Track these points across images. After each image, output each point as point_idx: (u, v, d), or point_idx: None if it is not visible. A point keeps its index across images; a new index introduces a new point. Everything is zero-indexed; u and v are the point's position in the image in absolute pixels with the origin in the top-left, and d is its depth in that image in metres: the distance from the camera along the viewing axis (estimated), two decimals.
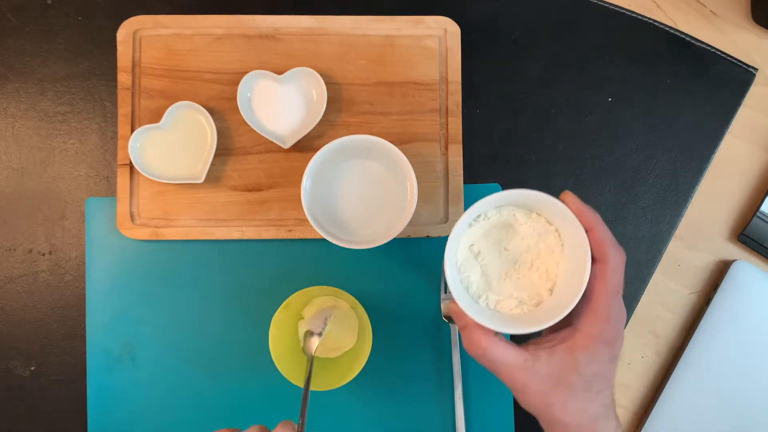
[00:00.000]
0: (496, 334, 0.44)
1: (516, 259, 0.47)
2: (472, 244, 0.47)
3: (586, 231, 0.43)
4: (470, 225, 0.47)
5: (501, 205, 0.46)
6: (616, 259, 0.42)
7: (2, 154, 0.62)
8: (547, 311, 0.44)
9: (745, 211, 0.64)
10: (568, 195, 0.44)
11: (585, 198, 0.63)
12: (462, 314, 0.44)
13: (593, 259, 0.42)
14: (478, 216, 0.46)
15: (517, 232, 0.47)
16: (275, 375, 0.54)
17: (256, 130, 0.59)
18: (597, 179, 0.63)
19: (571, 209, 0.43)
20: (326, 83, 0.60)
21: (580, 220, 0.43)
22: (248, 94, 0.60)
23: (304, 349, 0.54)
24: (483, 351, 0.43)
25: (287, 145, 0.59)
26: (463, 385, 0.60)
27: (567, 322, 0.44)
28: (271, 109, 0.60)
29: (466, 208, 0.61)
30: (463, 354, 0.61)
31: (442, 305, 0.61)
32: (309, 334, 0.54)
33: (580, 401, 0.43)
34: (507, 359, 0.43)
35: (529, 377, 0.43)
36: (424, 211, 0.61)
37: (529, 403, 0.44)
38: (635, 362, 0.63)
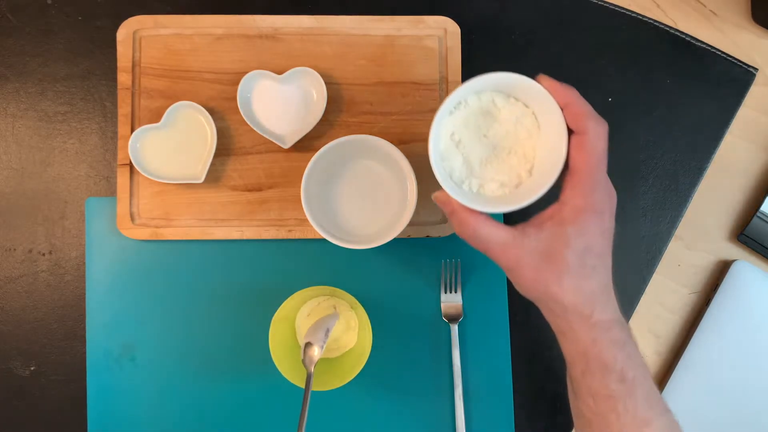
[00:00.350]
0: (483, 214, 0.45)
1: (496, 144, 0.49)
2: (453, 133, 0.49)
3: (564, 107, 0.43)
4: (450, 113, 0.49)
5: (480, 90, 0.48)
6: (596, 129, 0.42)
7: (2, 154, 0.62)
8: (528, 190, 0.46)
9: (745, 211, 0.64)
10: (543, 77, 0.44)
11: None
12: (448, 200, 0.45)
13: (575, 133, 0.43)
14: (459, 104, 0.48)
15: (496, 118, 0.49)
16: (275, 375, 0.54)
17: (256, 130, 0.59)
18: None
19: (545, 87, 0.44)
20: (326, 83, 0.60)
21: (556, 97, 0.44)
22: (248, 94, 0.60)
23: (304, 362, 0.52)
24: (473, 230, 0.44)
25: (287, 145, 0.59)
26: (463, 385, 0.60)
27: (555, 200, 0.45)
28: (271, 109, 0.60)
29: None
30: (463, 354, 0.61)
31: (442, 305, 0.61)
32: (309, 345, 0.53)
33: (575, 277, 0.42)
34: (497, 237, 0.44)
35: (520, 252, 0.43)
36: (424, 211, 0.61)
37: (524, 283, 0.44)
38: None
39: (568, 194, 0.43)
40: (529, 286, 0.44)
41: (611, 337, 0.43)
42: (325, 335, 0.54)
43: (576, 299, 0.43)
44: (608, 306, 0.44)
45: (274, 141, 0.59)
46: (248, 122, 0.59)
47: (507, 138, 0.49)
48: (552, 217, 0.43)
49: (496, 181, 0.48)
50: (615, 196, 0.44)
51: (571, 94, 0.43)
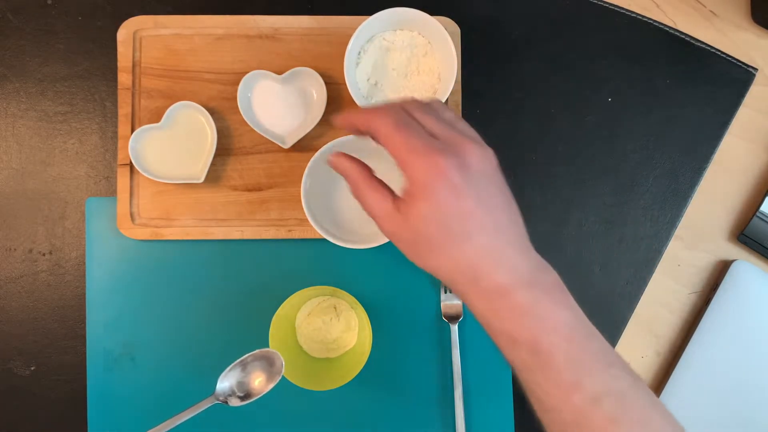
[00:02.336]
0: (380, 183, 0.42)
1: (404, 71, 0.59)
2: (368, 78, 0.59)
3: (367, 131, 0.41)
4: (357, 64, 0.59)
5: (369, 36, 0.58)
6: (381, 129, 0.40)
7: (2, 154, 0.62)
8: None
9: (745, 211, 0.64)
10: (335, 117, 0.43)
11: (585, 197, 0.63)
12: (345, 165, 0.43)
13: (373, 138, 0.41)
14: (359, 54, 0.59)
15: (393, 50, 0.59)
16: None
17: (256, 129, 0.59)
18: (597, 179, 0.63)
19: (339, 125, 0.43)
20: (326, 83, 0.60)
21: (360, 128, 0.42)
22: (248, 94, 0.60)
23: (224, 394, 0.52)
24: (363, 199, 0.42)
25: (287, 145, 0.59)
26: (463, 385, 0.60)
27: None
28: (271, 109, 0.60)
29: None
30: (463, 354, 0.61)
31: (442, 305, 0.61)
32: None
33: (446, 248, 0.40)
34: (376, 210, 0.42)
35: (392, 228, 0.41)
36: None
37: (408, 256, 0.42)
38: (635, 362, 0.63)
39: (411, 163, 0.39)
40: (412, 259, 0.42)
41: (511, 303, 0.39)
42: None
43: (456, 268, 0.40)
44: (501, 267, 0.39)
45: (274, 141, 0.59)
46: (248, 122, 0.59)
47: (410, 62, 0.59)
48: (409, 197, 0.40)
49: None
50: (469, 149, 0.40)
51: (361, 119, 0.41)
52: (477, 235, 0.39)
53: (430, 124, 0.41)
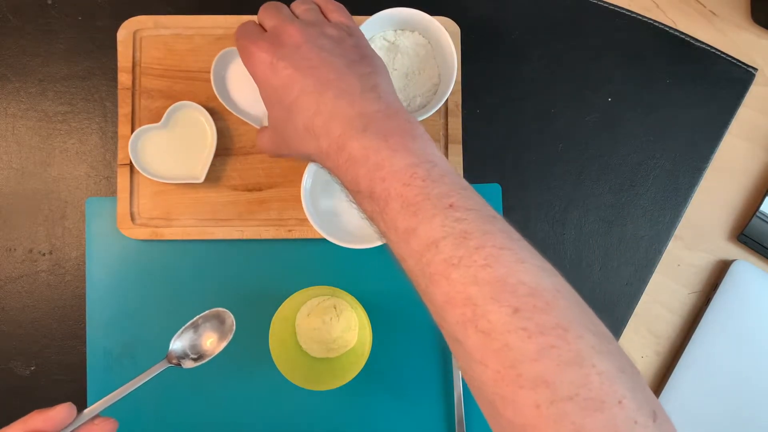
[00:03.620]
0: (264, 127, 0.48)
1: (405, 72, 0.59)
2: None
3: None
4: None
5: (369, 36, 0.58)
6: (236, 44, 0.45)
7: (2, 154, 0.62)
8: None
9: (745, 211, 0.64)
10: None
11: (585, 197, 0.63)
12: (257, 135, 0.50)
13: None
14: None
15: (395, 51, 0.59)
16: (275, 375, 0.54)
17: (232, 110, 0.59)
18: (597, 179, 0.63)
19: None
20: None
21: None
22: (223, 73, 0.60)
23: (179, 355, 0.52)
24: (258, 147, 0.48)
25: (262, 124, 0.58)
26: (463, 385, 0.60)
27: None
28: (248, 89, 0.59)
29: None
30: None
31: None
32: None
33: (288, 123, 0.42)
34: (265, 142, 0.47)
35: (273, 141, 0.46)
36: None
37: (292, 154, 0.45)
38: (635, 362, 0.63)
39: (245, 65, 0.45)
40: (293, 156, 0.45)
41: (347, 155, 0.39)
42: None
43: (303, 138, 0.42)
44: (332, 122, 0.39)
45: (251, 123, 0.59)
46: (223, 102, 0.59)
47: (412, 63, 0.59)
48: None
49: (417, 98, 0.58)
50: (282, 29, 0.43)
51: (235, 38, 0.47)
52: (303, 96, 0.41)
53: (264, 20, 0.45)
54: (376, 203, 0.38)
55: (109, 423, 0.42)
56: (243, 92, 0.59)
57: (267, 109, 0.44)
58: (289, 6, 0.46)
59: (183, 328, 0.51)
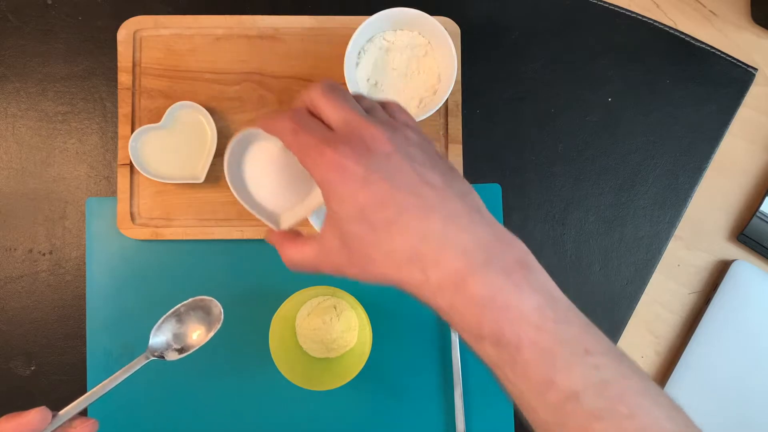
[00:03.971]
0: (296, 239, 0.40)
1: (404, 71, 0.59)
2: (368, 78, 0.59)
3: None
4: (357, 65, 0.59)
5: (370, 36, 0.58)
6: (280, 136, 0.37)
7: (2, 154, 0.62)
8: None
9: (745, 211, 0.64)
10: (258, 120, 0.39)
11: (585, 197, 0.63)
12: (272, 239, 0.41)
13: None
14: (359, 54, 0.58)
15: (394, 50, 0.59)
16: (275, 375, 0.54)
17: (246, 205, 0.44)
18: (597, 179, 0.63)
19: (263, 129, 0.39)
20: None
21: (271, 133, 0.39)
22: (239, 159, 0.44)
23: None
24: (288, 261, 0.39)
25: (281, 227, 0.44)
26: (463, 385, 0.60)
27: None
28: (268, 179, 0.45)
29: None
30: (463, 354, 0.61)
31: None
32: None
33: (378, 244, 0.35)
34: (306, 255, 0.39)
35: (329, 258, 0.37)
36: None
37: (360, 279, 0.37)
38: (635, 362, 0.63)
39: (308, 167, 0.36)
40: (363, 279, 0.37)
41: (467, 295, 0.34)
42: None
43: (398, 266, 0.35)
44: (445, 251, 0.34)
45: (266, 222, 0.44)
46: (235, 193, 0.44)
47: (410, 62, 0.59)
48: (326, 203, 0.37)
49: (416, 98, 0.59)
50: (368, 133, 0.35)
51: (270, 125, 0.38)
52: (404, 218, 0.34)
53: (330, 112, 0.37)
54: (504, 350, 0.34)
55: (89, 424, 0.40)
56: (261, 183, 0.46)
57: (339, 223, 0.35)
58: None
59: (162, 318, 0.48)
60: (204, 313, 0.49)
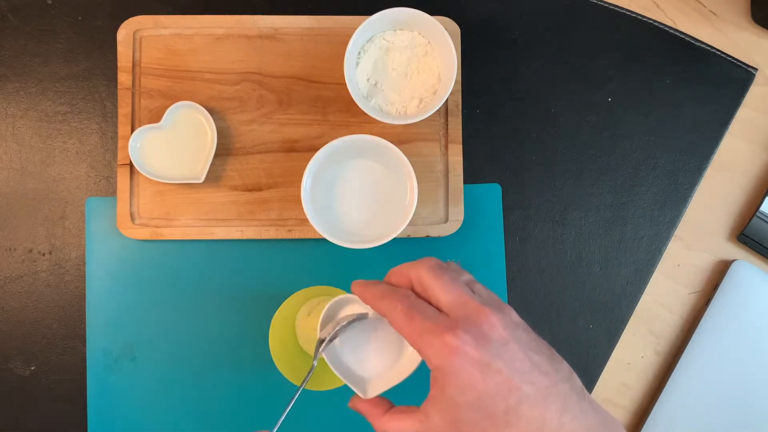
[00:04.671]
0: (388, 409, 0.41)
1: (404, 71, 0.59)
2: (368, 78, 0.59)
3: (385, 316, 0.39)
4: (357, 64, 0.59)
5: (370, 36, 0.58)
6: (388, 315, 0.38)
7: (2, 154, 0.62)
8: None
9: (745, 211, 0.64)
10: (353, 287, 0.42)
11: (585, 198, 0.63)
12: (360, 407, 0.42)
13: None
14: (359, 54, 0.58)
15: (394, 50, 0.59)
16: (275, 375, 0.54)
17: (337, 372, 0.46)
18: (597, 179, 0.63)
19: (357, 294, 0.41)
20: (327, 83, 0.60)
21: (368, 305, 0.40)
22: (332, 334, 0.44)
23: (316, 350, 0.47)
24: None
25: (368, 395, 0.44)
26: None
27: None
28: (362, 348, 0.46)
29: (466, 207, 0.61)
30: None
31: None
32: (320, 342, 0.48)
33: (499, 430, 0.36)
34: (406, 429, 0.39)
35: (424, 428, 0.38)
36: (424, 211, 0.61)
37: None
38: (635, 362, 0.63)
39: (424, 351, 0.37)
40: None
41: None
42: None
43: None
44: None
45: (353, 387, 0.45)
46: (330, 364, 0.46)
47: (410, 62, 0.59)
48: (434, 384, 0.37)
49: (416, 98, 0.59)
50: (484, 319, 0.36)
51: (366, 300, 0.40)
52: (524, 408, 0.35)
53: (441, 294, 0.38)
54: None
55: None
56: (353, 350, 0.46)
57: (453, 408, 0.36)
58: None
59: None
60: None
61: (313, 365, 0.47)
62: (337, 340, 0.45)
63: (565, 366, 0.38)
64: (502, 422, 0.35)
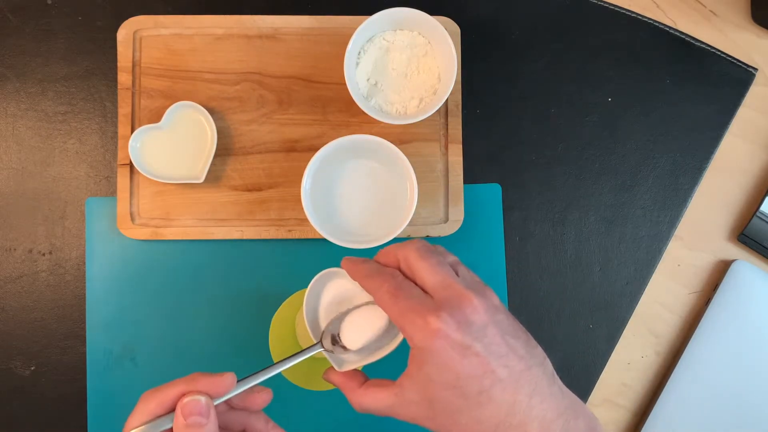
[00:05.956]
0: (363, 382, 0.42)
1: (404, 71, 0.59)
2: (368, 78, 0.59)
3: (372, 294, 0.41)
4: (357, 64, 0.58)
5: (370, 36, 0.58)
6: (375, 294, 0.40)
7: (2, 154, 0.62)
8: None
9: (745, 211, 0.64)
10: (344, 260, 0.43)
11: (585, 197, 0.63)
12: (336, 379, 0.44)
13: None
14: (359, 54, 0.58)
15: (393, 50, 0.59)
16: (275, 375, 0.54)
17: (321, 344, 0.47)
18: (597, 179, 0.63)
19: (346, 270, 0.43)
20: (327, 83, 0.60)
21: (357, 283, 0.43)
22: (316, 301, 0.49)
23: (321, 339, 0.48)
24: (359, 405, 0.42)
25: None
26: None
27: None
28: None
29: (466, 207, 0.61)
30: None
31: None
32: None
33: (467, 412, 0.37)
34: (380, 402, 0.41)
35: (409, 409, 0.39)
36: (424, 211, 0.61)
37: (435, 430, 0.39)
38: (635, 362, 0.63)
39: (407, 330, 0.38)
40: (435, 429, 0.39)
41: None
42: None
43: (478, 425, 0.37)
44: (530, 423, 0.37)
45: (331, 361, 0.47)
46: (311, 333, 0.49)
47: (410, 62, 0.59)
48: (412, 361, 0.39)
49: (416, 98, 0.59)
50: (467, 302, 0.37)
51: (354, 278, 0.42)
52: (496, 390, 0.37)
53: (426, 276, 0.39)
54: None
55: (266, 392, 0.44)
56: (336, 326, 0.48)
57: (430, 386, 0.37)
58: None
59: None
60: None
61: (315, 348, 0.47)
62: (321, 314, 0.48)
63: (539, 351, 0.39)
64: (474, 402, 0.37)
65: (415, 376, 0.38)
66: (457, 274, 0.40)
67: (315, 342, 0.47)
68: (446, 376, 0.37)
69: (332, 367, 0.45)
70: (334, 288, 0.48)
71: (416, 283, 0.40)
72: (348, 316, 0.47)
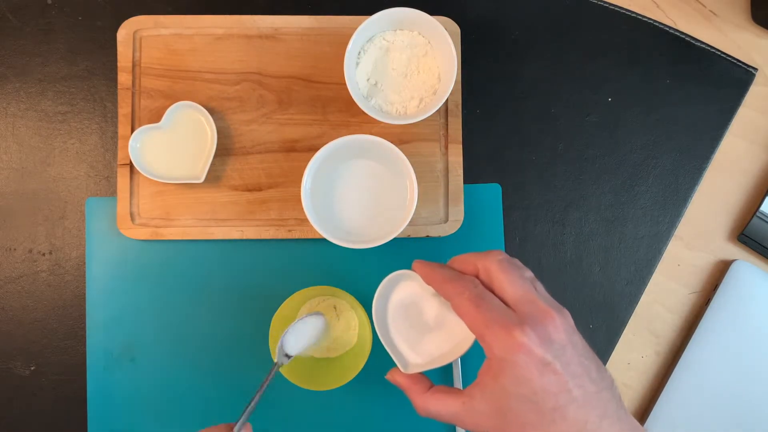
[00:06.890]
0: (431, 387, 0.43)
1: (404, 71, 0.59)
2: (368, 78, 0.59)
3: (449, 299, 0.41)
4: (357, 64, 0.59)
5: (370, 36, 0.58)
6: (455, 300, 0.40)
7: (2, 154, 0.62)
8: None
9: (745, 211, 0.64)
10: (415, 266, 0.44)
11: (585, 197, 0.63)
12: (399, 380, 0.45)
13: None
14: (359, 53, 0.58)
15: (394, 50, 0.59)
16: (275, 375, 0.54)
17: (387, 347, 0.47)
18: (597, 179, 0.63)
19: (418, 273, 0.44)
20: (327, 83, 0.60)
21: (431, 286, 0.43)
22: (385, 302, 0.49)
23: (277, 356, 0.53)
24: (424, 410, 0.42)
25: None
26: (462, 384, 0.60)
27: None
28: (408, 323, 0.48)
29: (466, 207, 0.61)
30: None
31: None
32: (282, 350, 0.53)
33: (538, 428, 0.38)
34: (447, 409, 0.41)
35: (476, 419, 0.40)
36: (424, 211, 0.61)
37: None
38: (635, 362, 0.63)
39: (487, 340, 0.38)
40: None
41: None
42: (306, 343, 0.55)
43: None
44: None
45: (397, 362, 0.47)
46: (380, 334, 0.48)
47: (410, 62, 0.59)
48: (487, 371, 0.39)
49: (416, 98, 0.59)
50: (550, 320, 0.38)
51: (432, 282, 0.43)
52: (571, 409, 0.37)
53: (509, 288, 0.40)
54: None
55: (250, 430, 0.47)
56: (401, 323, 0.48)
57: (504, 397, 0.38)
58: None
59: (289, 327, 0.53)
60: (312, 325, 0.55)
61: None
62: (390, 315, 0.48)
63: (609, 375, 0.40)
64: (548, 418, 0.37)
65: (488, 386, 0.39)
66: (535, 290, 0.40)
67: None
68: (523, 389, 0.37)
69: (397, 368, 0.45)
70: (403, 290, 0.48)
71: (495, 294, 0.40)
72: (291, 327, 0.52)
